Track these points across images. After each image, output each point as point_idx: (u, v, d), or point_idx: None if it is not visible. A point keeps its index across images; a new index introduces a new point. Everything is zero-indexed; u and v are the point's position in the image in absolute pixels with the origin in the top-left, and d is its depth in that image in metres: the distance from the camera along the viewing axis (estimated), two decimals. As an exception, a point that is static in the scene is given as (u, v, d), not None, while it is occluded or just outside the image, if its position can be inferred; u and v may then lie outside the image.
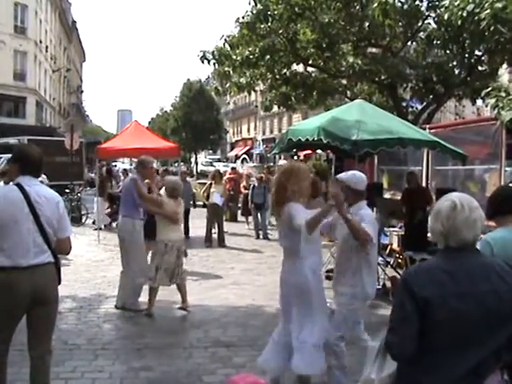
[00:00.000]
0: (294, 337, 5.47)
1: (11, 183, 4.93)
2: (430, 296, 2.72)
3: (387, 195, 13.94)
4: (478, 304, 2.73)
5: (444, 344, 2.77)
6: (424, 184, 13.13)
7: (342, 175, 5.83)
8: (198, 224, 16.69)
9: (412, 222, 10.56)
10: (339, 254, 5.86)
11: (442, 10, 14.11)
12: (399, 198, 13.36)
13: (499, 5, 11.03)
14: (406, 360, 2.84)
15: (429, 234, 8.66)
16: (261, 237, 17.15)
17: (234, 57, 17.77)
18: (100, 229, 17.30)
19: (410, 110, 19.50)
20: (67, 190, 20.76)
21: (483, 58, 16.50)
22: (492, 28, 11.75)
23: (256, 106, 66.36)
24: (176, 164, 21.72)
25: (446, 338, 2.76)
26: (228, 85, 19.74)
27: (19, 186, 4.67)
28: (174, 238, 8.65)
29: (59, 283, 4.96)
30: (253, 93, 26.58)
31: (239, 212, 21.22)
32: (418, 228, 9.82)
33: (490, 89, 10.69)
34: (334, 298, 5.77)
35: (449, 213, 2.84)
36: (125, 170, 24.25)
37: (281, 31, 17.32)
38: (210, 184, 16.54)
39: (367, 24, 16.22)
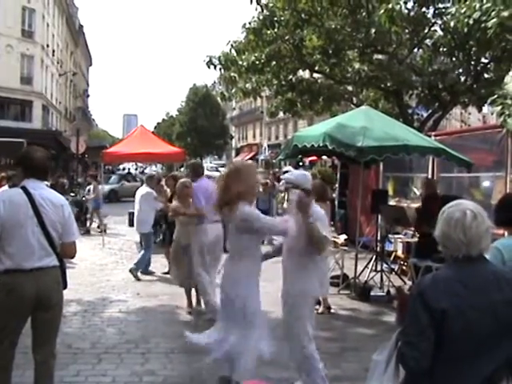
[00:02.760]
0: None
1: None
2: (446, 308, 2.71)
3: (392, 202, 13.91)
4: (492, 313, 2.74)
5: (458, 354, 2.76)
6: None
7: (289, 176, 5.69)
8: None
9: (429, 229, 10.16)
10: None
11: (449, 17, 14.15)
12: (405, 204, 13.32)
13: (505, 13, 11.04)
14: (420, 372, 2.83)
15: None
16: (265, 242, 17.09)
17: (240, 62, 17.81)
18: None
19: (416, 117, 19.48)
20: (72, 194, 20.82)
21: (489, 65, 16.51)
22: (498, 36, 11.76)
23: (262, 112, 66.45)
24: (182, 169, 21.79)
25: (460, 348, 2.75)
26: (234, 90, 19.78)
27: (24, 189, 4.67)
28: None
29: (65, 287, 4.97)
30: (258, 98, 26.63)
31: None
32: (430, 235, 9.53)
33: (495, 96, 10.66)
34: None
35: (471, 223, 2.82)
36: (91, 175, 23.43)
37: (287, 37, 17.35)
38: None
39: (373, 31, 16.22)
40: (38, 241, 4.63)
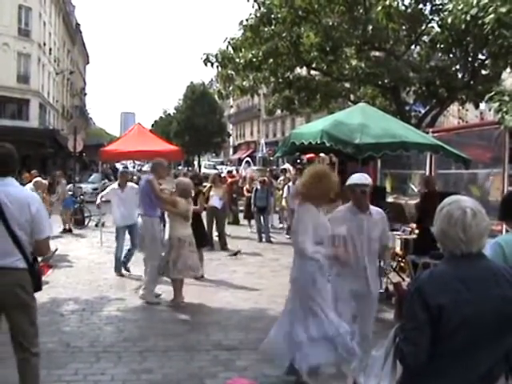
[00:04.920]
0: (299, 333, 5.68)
1: None
2: (443, 303, 2.70)
3: (390, 199, 13.91)
4: (490, 309, 2.73)
5: (456, 350, 2.76)
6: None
7: (358, 179, 6.00)
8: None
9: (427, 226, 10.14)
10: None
11: (446, 13, 14.14)
12: (403, 201, 13.33)
13: (503, 9, 11.04)
14: (418, 368, 2.82)
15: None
16: (263, 240, 17.12)
17: (238, 60, 17.81)
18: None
19: (413, 113, 19.48)
20: (70, 193, 20.79)
21: (487, 61, 16.50)
22: (496, 32, 11.75)
23: (259, 110, 66.47)
24: (179, 167, 21.78)
25: (458, 344, 2.75)
26: (231, 88, 19.75)
27: None
28: (185, 233, 9.47)
29: (38, 289, 4.89)
30: (256, 96, 26.62)
31: (241, 215, 21.19)
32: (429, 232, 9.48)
33: (493, 93, 10.67)
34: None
35: (471, 221, 2.81)
36: (61, 173, 23.22)
37: (284, 34, 17.33)
38: (210, 187, 16.51)
39: (371, 27, 16.23)
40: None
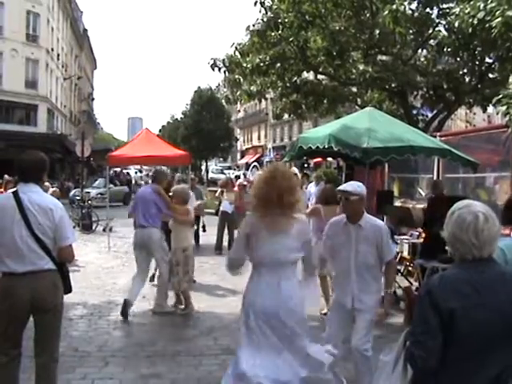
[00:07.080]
0: None
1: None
2: (454, 308, 2.71)
3: (398, 203, 13.88)
4: (500, 314, 2.74)
5: (465, 354, 2.77)
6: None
7: (343, 186, 5.68)
8: (209, 231, 16.69)
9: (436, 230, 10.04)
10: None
11: (453, 17, 14.10)
12: (410, 205, 13.29)
13: (510, 13, 11.03)
14: (428, 372, 2.82)
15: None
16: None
17: (245, 65, 17.82)
18: None
19: (421, 117, 19.45)
20: (78, 198, 20.86)
21: (494, 65, 16.47)
22: (503, 36, 11.74)
23: (266, 114, 66.47)
24: (187, 171, 21.82)
25: (467, 348, 2.75)
26: (238, 93, 19.76)
27: (15, 193, 4.68)
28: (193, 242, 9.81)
29: (69, 291, 4.96)
30: (263, 100, 26.65)
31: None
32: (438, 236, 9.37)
33: (500, 96, 10.65)
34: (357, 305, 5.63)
35: (483, 226, 2.82)
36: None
37: (291, 39, 17.32)
38: (222, 192, 16.51)
39: (377, 32, 16.22)
40: (26, 244, 4.61)
